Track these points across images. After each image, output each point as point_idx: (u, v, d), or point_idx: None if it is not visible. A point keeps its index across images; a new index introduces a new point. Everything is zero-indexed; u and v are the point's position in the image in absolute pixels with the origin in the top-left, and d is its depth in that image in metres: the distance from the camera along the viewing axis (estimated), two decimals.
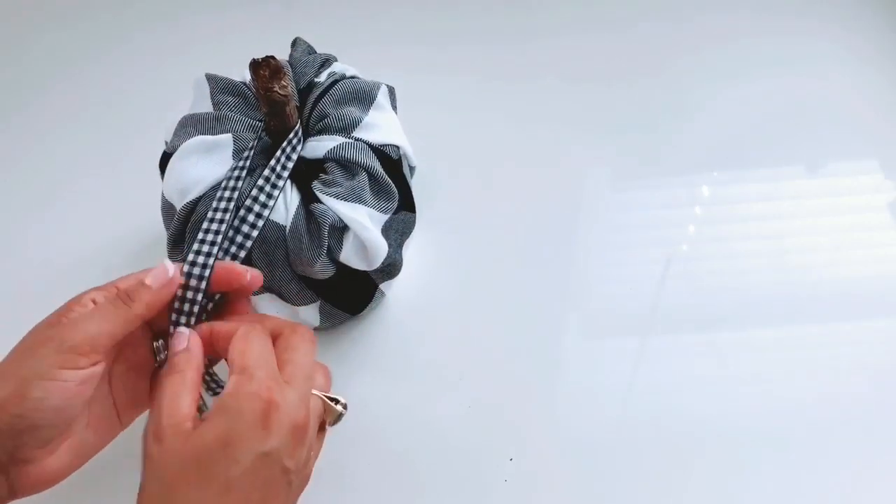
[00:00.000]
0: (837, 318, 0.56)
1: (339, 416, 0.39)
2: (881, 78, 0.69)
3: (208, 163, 0.46)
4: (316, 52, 0.53)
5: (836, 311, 0.56)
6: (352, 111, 0.48)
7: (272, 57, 0.42)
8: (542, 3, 0.76)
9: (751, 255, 0.59)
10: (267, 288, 0.48)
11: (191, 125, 0.47)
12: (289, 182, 0.46)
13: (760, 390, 0.53)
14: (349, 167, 0.47)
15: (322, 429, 0.39)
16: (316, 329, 0.53)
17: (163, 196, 0.48)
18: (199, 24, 0.75)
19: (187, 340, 0.37)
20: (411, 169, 0.53)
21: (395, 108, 0.52)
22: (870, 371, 0.53)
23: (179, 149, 0.47)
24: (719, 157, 0.64)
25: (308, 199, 0.46)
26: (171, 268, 0.38)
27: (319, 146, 0.47)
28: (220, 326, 0.38)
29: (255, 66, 0.42)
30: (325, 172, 0.46)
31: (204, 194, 0.45)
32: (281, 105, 0.44)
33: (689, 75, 0.70)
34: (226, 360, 0.36)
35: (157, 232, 0.51)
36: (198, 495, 0.32)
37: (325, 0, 0.76)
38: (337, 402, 0.38)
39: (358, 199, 0.46)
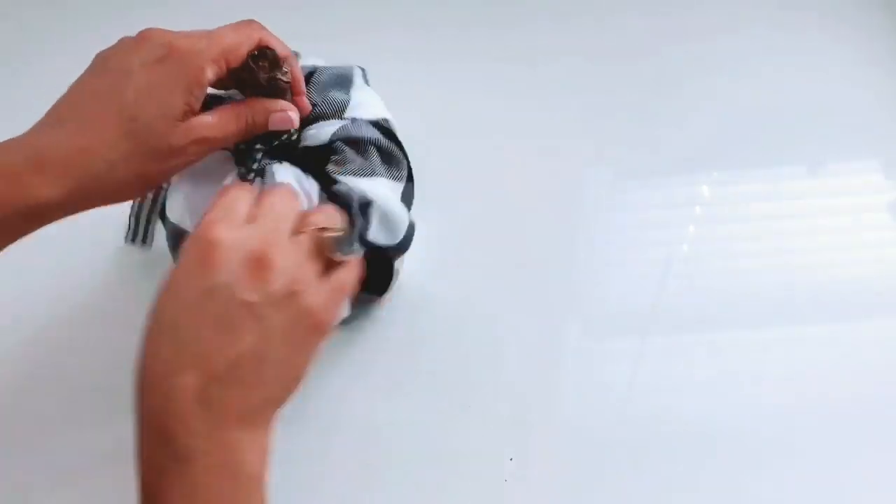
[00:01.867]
0: (837, 318, 0.56)
1: (338, 240, 0.36)
2: (882, 77, 0.69)
3: (213, 179, 0.46)
4: None
5: (836, 311, 0.56)
6: (337, 95, 0.49)
7: (268, 47, 0.42)
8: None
9: (751, 255, 0.59)
10: None
11: None
12: (301, 172, 0.46)
13: (761, 390, 0.53)
14: (357, 144, 0.48)
15: (334, 263, 0.36)
16: (343, 323, 0.51)
17: (169, 223, 0.48)
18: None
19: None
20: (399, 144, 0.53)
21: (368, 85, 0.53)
22: (870, 371, 0.53)
23: (173, 184, 0.47)
24: (719, 157, 0.64)
25: (326, 184, 0.46)
26: (295, 118, 0.45)
27: (321, 132, 0.47)
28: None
29: (255, 57, 0.42)
30: (335, 153, 0.47)
31: None
32: (284, 93, 0.44)
33: (689, 74, 0.69)
34: None
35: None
36: (150, 341, 0.33)
37: None
38: (325, 230, 0.36)
39: (373, 172, 0.47)
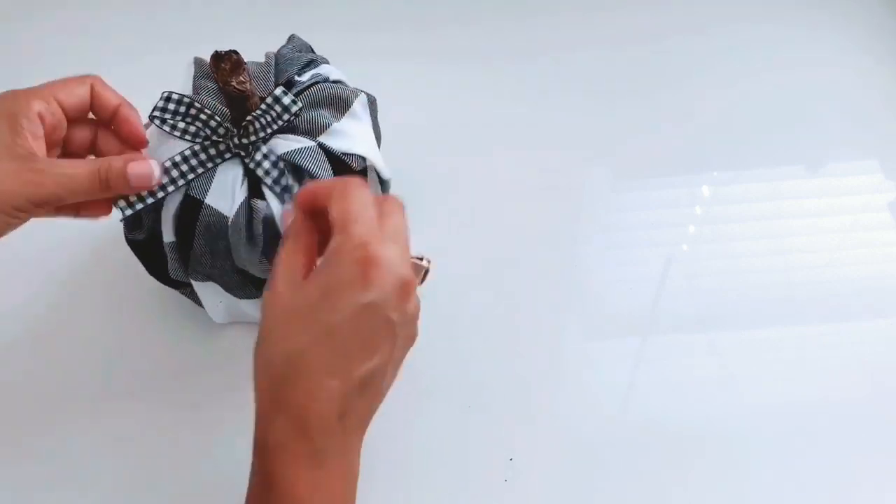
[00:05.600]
0: (837, 318, 0.56)
1: (426, 272, 0.40)
2: (882, 77, 0.69)
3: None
4: (312, 52, 0.53)
5: (836, 311, 0.56)
6: (323, 115, 0.48)
7: (235, 51, 0.42)
8: None
9: (751, 255, 0.59)
10: (208, 276, 0.48)
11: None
12: (241, 176, 0.46)
13: (760, 390, 0.53)
14: (299, 172, 0.46)
15: None
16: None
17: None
18: (196, 11, 0.74)
19: (292, 215, 0.40)
20: (384, 182, 0.52)
21: (375, 116, 0.52)
22: (870, 371, 0.53)
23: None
24: (719, 157, 0.64)
25: (256, 195, 0.46)
26: (157, 171, 0.43)
27: (281, 145, 0.47)
28: (321, 185, 0.40)
29: (217, 58, 0.42)
30: (281, 173, 0.46)
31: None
32: (239, 100, 0.44)
33: (689, 75, 0.70)
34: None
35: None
36: (299, 337, 0.34)
37: None
38: (421, 259, 0.40)
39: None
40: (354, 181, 0.39)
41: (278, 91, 0.45)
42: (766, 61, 0.70)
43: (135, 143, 0.44)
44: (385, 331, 0.35)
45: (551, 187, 0.62)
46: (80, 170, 0.40)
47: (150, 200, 0.44)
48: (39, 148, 0.40)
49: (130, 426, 0.51)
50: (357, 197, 0.37)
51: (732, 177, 0.64)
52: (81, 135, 0.44)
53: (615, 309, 0.56)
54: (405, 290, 0.36)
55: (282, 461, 0.34)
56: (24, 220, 0.40)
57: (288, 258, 0.37)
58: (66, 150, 0.44)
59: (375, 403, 0.37)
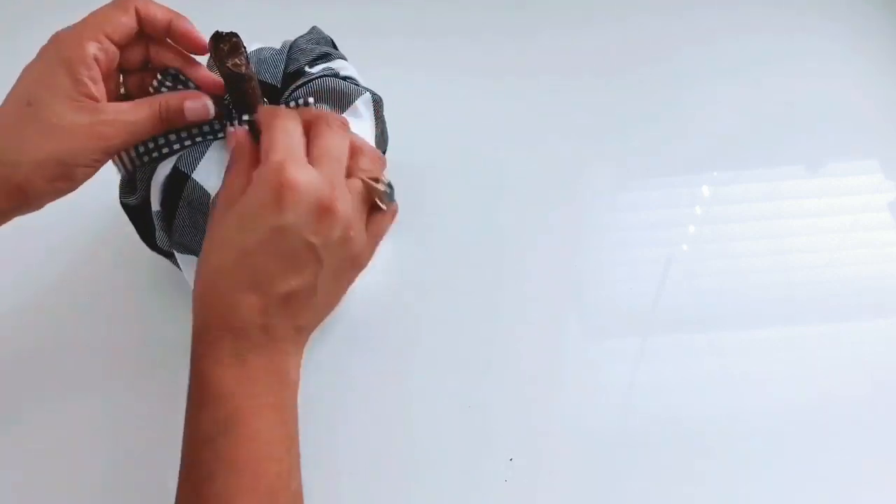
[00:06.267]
0: (837, 318, 0.56)
1: (385, 193, 0.40)
2: (882, 77, 0.69)
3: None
4: (330, 46, 0.53)
5: (836, 311, 0.56)
6: (323, 109, 0.47)
7: (235, 34, 0.42)
8: None
9: (751, 255, 0.59)
10: (189, 249, 0.48)
11: None
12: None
13: (760, 390, 0.53)
14: None
15: (377, 209, 0.40)
16: None
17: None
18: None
19: (234, 137, 0.42)
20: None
21: (380, 118, 0.51)
22: (870, 371, 0.53)
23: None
24: (719, 157, 0.64)
25: None
26: (211, 107, 0.44)
27: None
28: (260, 113, 0.41)
29: (217, 39, 0.42)
30: None
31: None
32: (235, 81, 0.44)
33: (689, 74, 0.70)
34: None
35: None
36: (221, 255, 0.37)
37: None
38: (377, 181, 0.39)
39: None
40: (278, 111, 0.40)
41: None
42: (765, 63, 0.70)
43: (196, 51, 0.44)
44: (305, 252, 0.36)
45: (552, 187, 0.62)
46: (142, 114, 0.42)
47: (146, 159, 0.45)
48: (99, 91, 0.41)
49: (118, 400, 0.52)
50: (278, 126, 0.38)
51: (732, 177, 0.64)
52: (134, 55, 0.44)
53: (615, 309, 0.56)
54: (323, 213, 0.36)
55: (207, 361, 0.36)
56: (100, 166, 0.42)
57: (230, 179, 0.38)
58: (121, 68, 0.44)
59: (309, 318, 0.39)
